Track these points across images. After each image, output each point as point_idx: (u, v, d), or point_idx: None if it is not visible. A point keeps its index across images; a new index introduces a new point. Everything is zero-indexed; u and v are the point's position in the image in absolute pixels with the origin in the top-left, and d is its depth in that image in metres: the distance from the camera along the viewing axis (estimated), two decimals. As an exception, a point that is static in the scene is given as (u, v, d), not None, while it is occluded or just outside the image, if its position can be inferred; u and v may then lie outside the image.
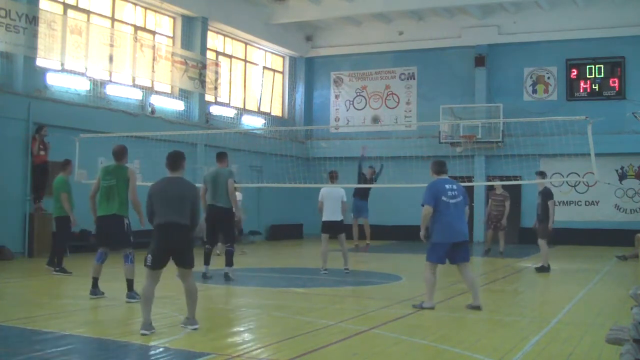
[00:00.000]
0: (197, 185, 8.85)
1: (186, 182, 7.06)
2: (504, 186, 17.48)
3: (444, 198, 8.47)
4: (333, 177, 13.12)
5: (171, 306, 8.85)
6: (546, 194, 13.48)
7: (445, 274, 14.83)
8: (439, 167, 8.82)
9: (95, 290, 9.08)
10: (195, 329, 6.84)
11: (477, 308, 8.46)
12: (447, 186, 8.57)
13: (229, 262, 11.30)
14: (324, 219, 12.64)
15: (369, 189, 17.37)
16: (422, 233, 8.64)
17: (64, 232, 12.15)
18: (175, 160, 7.09)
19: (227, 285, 10.88)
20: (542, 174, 14.11)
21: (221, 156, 11.66)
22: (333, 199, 12.62)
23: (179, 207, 6.81)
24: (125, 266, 8.98)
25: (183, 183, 7.00)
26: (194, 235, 7.10)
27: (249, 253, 17.39)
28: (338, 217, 12.64)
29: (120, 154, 9.27)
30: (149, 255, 6.82)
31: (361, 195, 17.52)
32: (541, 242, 13.41)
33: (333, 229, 12.77)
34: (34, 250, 15.19)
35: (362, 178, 17.51)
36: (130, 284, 8.89)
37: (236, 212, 11.95)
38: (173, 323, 7.57)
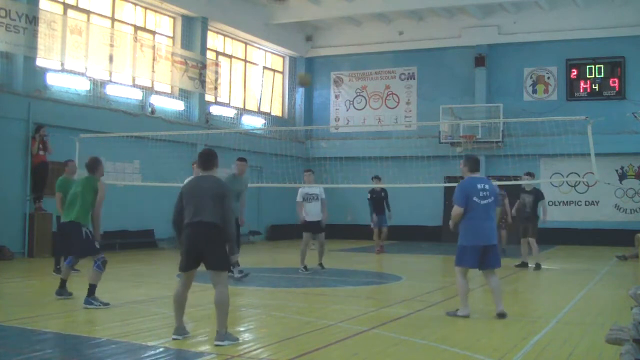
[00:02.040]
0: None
1: (216, 179, 6.68)
2: (501, 186, 17.60)
3: (475, 198, 7.98)
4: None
5: (171, 306, 8.85)
6: (538, 195, 13.93)
7: (445, 273, 14.86)
8: (475, 164, 8.33)
9: (61, 291, 9.03)
10: (219, 345, 6.23)
11: (502, 315, 7.93)
12: (479, 186, 8.05)
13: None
14: None
15: (379, 204, 17.65)
16: (451, 224, 8.23)
17: None
18: (207, 158, 6.75)
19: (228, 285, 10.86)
20: (531, 175, 14.45)
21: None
22: None
23: (208, 205, 6.43)
24: (91, 270, 8.73)
25: (213, 180, 6.63)
26: (229, 234, 6.53)
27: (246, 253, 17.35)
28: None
29: (90, 166, 9.03)
30: (180, 258, 6.58)
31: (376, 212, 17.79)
32: (532, 241, 13.83)
33: None
34: (34, 250, 15.19)
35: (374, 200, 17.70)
36: (91, 289, 8.55)
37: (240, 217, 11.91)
38: (173, 323, 7.58)
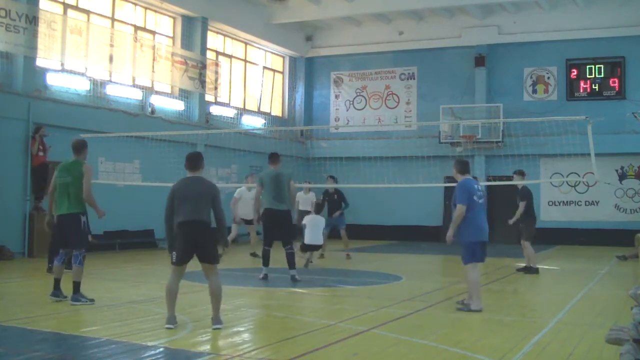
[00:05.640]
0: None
1: (205, 181, 7.47)
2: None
3: (474, 197, 8.52)
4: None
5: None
6: (523, 194, 13.15)
7: (445, 273, 14.87)
8: (465, 166, 8.85)
9: (56, 292, 8.74)
10: (217, 328, 7.01)
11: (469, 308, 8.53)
12: (476, 186, 8.68)
13: (293, 265, 11.40)
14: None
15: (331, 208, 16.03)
16: (450, 233, 8.50)
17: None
18: (194, 161, 7.50)
19: (228, 285, 10.87)
20: (521, 173, 13.56)
21: (276, 157, 11.53)
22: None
23: (199, 206, 7.20)
24: (73, 267, 8.63)
25: (202, 182, 7.40)
26: (223, 231, 7.60)
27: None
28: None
29: (77, 148, 8.88)
30: (174, 253, 7.21)
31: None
32: (525, 244, 13.14)
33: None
34: (34, 250, 15.18)
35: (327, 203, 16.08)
36: (76, 286, 8.55)
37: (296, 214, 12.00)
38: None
